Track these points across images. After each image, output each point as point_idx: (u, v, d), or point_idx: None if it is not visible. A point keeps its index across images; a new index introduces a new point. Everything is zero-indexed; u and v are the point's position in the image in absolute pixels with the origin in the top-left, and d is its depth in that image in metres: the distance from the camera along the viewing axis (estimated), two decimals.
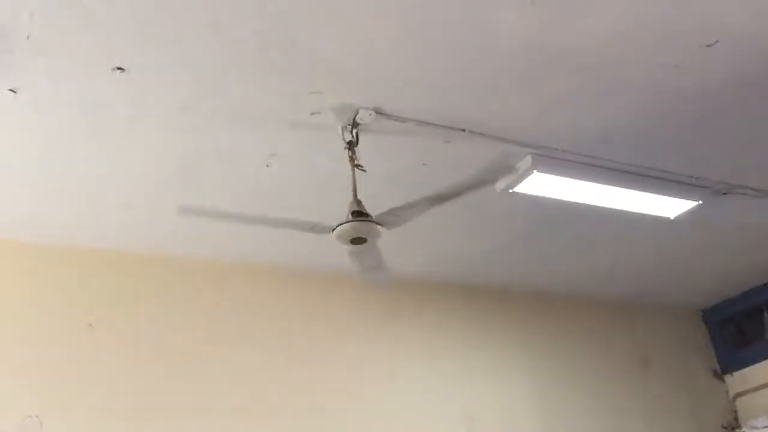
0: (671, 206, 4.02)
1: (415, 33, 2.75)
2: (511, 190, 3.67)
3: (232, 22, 2.61)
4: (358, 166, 3.18)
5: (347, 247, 3.10)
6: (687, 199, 3.98)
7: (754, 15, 2.81)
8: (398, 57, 2.86)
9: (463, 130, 3.36)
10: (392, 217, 3.05)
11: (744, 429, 5.55)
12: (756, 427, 5.36)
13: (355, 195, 3.12)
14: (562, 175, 3.62)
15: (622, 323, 5.71)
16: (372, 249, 3.16)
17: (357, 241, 3.05)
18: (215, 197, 3.74)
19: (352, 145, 3.20)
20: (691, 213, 4.08)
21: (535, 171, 3.52)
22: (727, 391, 5.87)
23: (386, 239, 3.14)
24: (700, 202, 4.00)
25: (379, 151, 3.44)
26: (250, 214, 3.11)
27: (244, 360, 4.24)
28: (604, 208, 3.97)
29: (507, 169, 3.56)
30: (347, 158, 3.19)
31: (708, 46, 2.94)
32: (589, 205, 3.91)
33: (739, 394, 5.78)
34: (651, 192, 3.85)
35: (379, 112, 3.15)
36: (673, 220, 4.14)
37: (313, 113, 3.15)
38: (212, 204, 3.76)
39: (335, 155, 3.26)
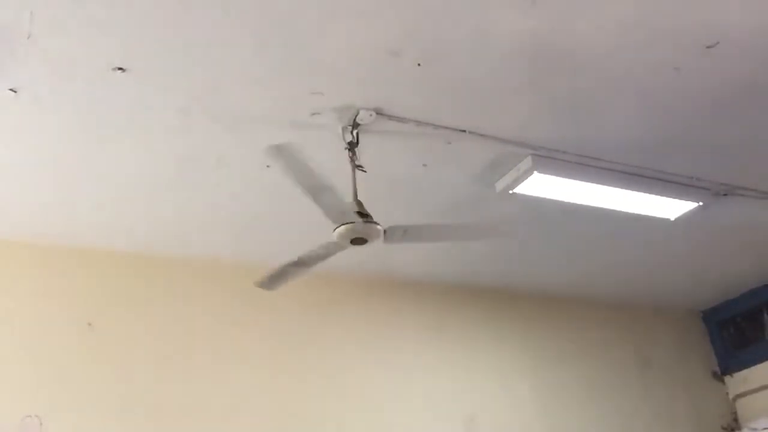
0: (672, 207, 4.02)
1: (415, 33, 2.75)
2: (511, 191, 3.67)
3: (232, 22, 2.61)
4: (358, 166, 3.18)
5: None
6: (687, 201, 3.97)
7: (755, 16, 2.81)
8: (399, 57, 2.86)
9: (464, 131, 3.35)
10: (399, 233, 3.06)
11: (744, 430, 5.55)
12: (756, 429, 5.35)
13: (355, 195, 3.13)
14: (562, 176, 3.62)
15: (622, 324, 5.70)
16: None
17: (357, 241, 3.05)
18: (215, 198, 3.74)
19: (352, 146, 3.20)
20: (691, 214, 4.08)
21: (535, 172, 3.52)
22: (726, 393, 5.87)
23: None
24: (701, 203, 3.99)
25: (380, 152, 3.44)
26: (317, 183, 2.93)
27: (243, 360, 4.24)
28: (604, 209, 3.97)
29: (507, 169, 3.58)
30: (347, 159, 3.19)
31: (709, 47, 2.94)
32: (589, 206, 3.91)
33: (739, 396, 5.78)
34: (651, 193, 3.85)
35: (379, 112, 3.15)
36: (673, 222, 4.14)
37: (313, 114, 3.15)
38: (212, 205, 3.80)
39: (336, 156, 3.26)
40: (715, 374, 5.94)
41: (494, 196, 3.82)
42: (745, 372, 5.76)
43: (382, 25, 2.69)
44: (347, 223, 2.97)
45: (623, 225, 4.34)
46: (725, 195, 4.10)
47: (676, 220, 4.12)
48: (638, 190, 3.82)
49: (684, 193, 3.94)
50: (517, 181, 3.60)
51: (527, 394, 5.04)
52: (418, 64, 2.90)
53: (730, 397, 5.84)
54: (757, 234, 4.75)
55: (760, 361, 5.63)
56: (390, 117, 3.19)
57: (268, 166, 3.50)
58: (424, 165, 3.62)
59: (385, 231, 3.03)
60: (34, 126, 3.08)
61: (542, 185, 3.65)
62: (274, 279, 3.44)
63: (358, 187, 3.16)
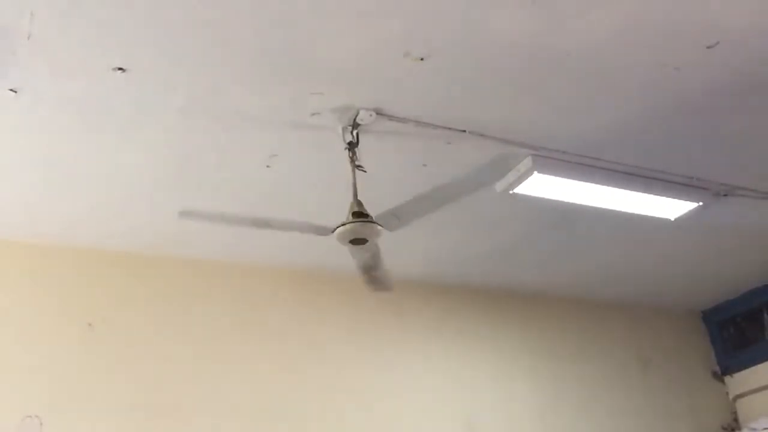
0: (672, 208, 4.02)
1: (415, 33, 2.75)
2: (511, 191, 3.67)
3: (232, 22, 2.61)
4: (358, 167, 3.18)
5: (349, 247, 3.10)
6: (688, 201, 3.97)
7: (755, 16, 2.81)
8: (399, 57, 2.86)
9: (464, 131, 3.35)
10: (394, 219, 3.05)
11: (744, 430, 5.54)
12: (756, 429, 5.35)
13: (355, 196, 3.12)
14: (562, 177, 3.62)
15: (622, 324, 5.70)
16: (371, 249, 3.16)
17: (357, 241, 3.05)
18: (215, 198, 3.74)
19: (352, 146, 3.20)
20: (691, 214, 4.08)
21: (535, 172, 3.52)
22: (726, 393, 5.87)
23: (387, 239, 3.14)
24: (701, 203, 3.99)
25: (380, 152, 3.44)
26: (253, 216, 3.08)
27: (243, 360, 4.24)
28: (604, 210, 3.97)
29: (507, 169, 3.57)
30: (347, 159, 3.19)
31: (709, 47, 2.94)
32: (589, 206, 3.91)
33: (739, 396, 5.78)
34: (652, 193, 3.85)
35: (379, 112, 3.15)
36: (673, 222, 4.14)
37: (313, 114, 3.15)
38: (212, 205, 3.79)
39: (336, 156, 3.26)
40: (715, 374, 5.94)
41: (494, 197, 3.81)
42: (745, 372, 5.76)
43: (382, 25, 2.69)
44: (346, 224, 2.97)
45: (623, 225, 4.34)
46: (725, 195, 4.10)
47: (676, 220, 4.12)
48: (638, 190, 3.82)
49: (684, 193, 3.94)
50: (517, 181, 3.60)
51: (527, 394, 5.04)
52: (419, 63, 2.90)
53: (730, 397, 5.83)
54: (757, 234, 4.75)
55: (760, 361, 5.62)
56: (390, 117, 3.19)
57: (268, 167, 3.51)
58: (424, 165, 3.62)
59: (380, 225, 3.03)
60: (34, 126, 3.08)
61: (542, 185, 3.65)
62: (374, 282, 3.46)
63: (358, 187, 3.16)
